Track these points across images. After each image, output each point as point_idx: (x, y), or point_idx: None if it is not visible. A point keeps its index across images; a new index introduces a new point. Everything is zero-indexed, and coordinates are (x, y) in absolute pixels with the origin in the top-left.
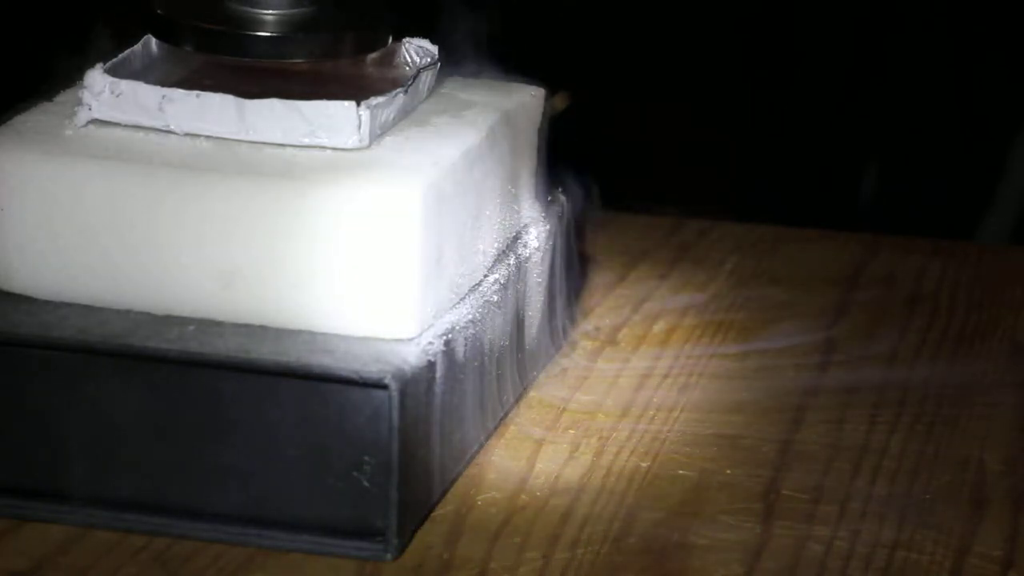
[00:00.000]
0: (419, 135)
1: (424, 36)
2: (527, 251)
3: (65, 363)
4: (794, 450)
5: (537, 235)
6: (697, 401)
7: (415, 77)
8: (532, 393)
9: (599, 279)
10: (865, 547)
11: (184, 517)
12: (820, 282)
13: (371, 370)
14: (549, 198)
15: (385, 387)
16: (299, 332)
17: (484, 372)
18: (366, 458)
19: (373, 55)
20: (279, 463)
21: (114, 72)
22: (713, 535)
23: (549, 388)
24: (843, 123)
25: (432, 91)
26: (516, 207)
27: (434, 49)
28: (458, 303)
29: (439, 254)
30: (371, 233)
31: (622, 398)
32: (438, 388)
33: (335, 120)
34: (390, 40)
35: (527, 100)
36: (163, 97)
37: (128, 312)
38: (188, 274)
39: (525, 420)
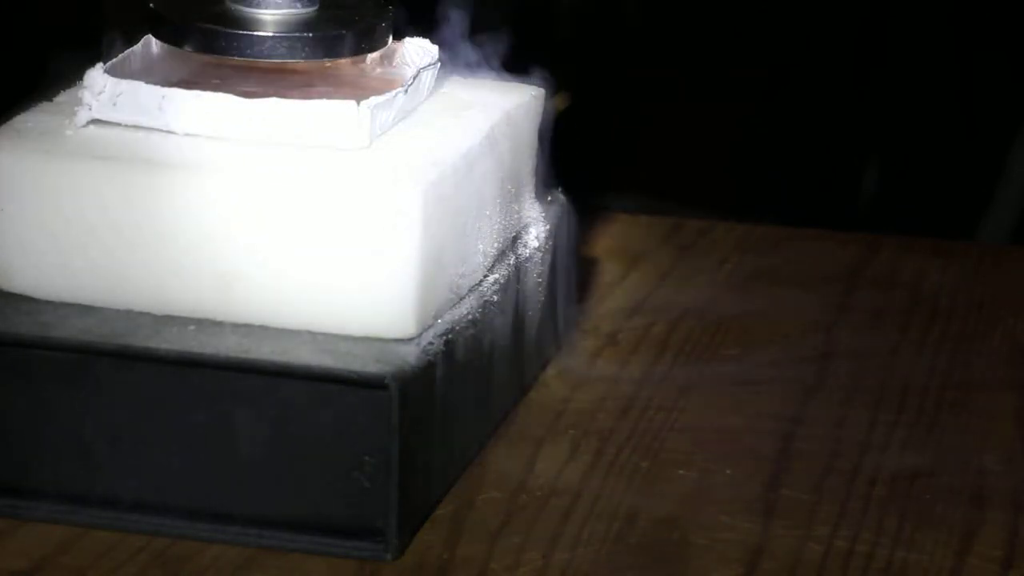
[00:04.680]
0: (419, 135)
1: (424, 36)
2: (527, 251)
3: (65, 363)
4: (794, 450)
5: (537, 235)
6: (697, 401)
7: (415, 77)
8: (532, 393)
9: (599, 279)
10: (865, 547)
11: (184, 517)
12: (820, 282)
13: (371, 370)
14: (549, 198)
15: (385, 387)
16: (299, 332)
17: (484, 372)
18: (366, 458)
19: (373, 55)
20: (279, 463)
21: (114, 72)
22: (713, 535)
23: (549, 388)
24: (843, 123)
25: (432, 91)
26: (516, 207)
27: (434, 49)
28: (458, 303)
29: (439, 254)
30: (371, 233)
31: (622, 398)
32: (438, 388)
33: (335, 120)
34: (390, 40)
35: (527, 100)
36: (163, 97)
37: (128, 312)
38: (188, 274)
39: (525, 420)
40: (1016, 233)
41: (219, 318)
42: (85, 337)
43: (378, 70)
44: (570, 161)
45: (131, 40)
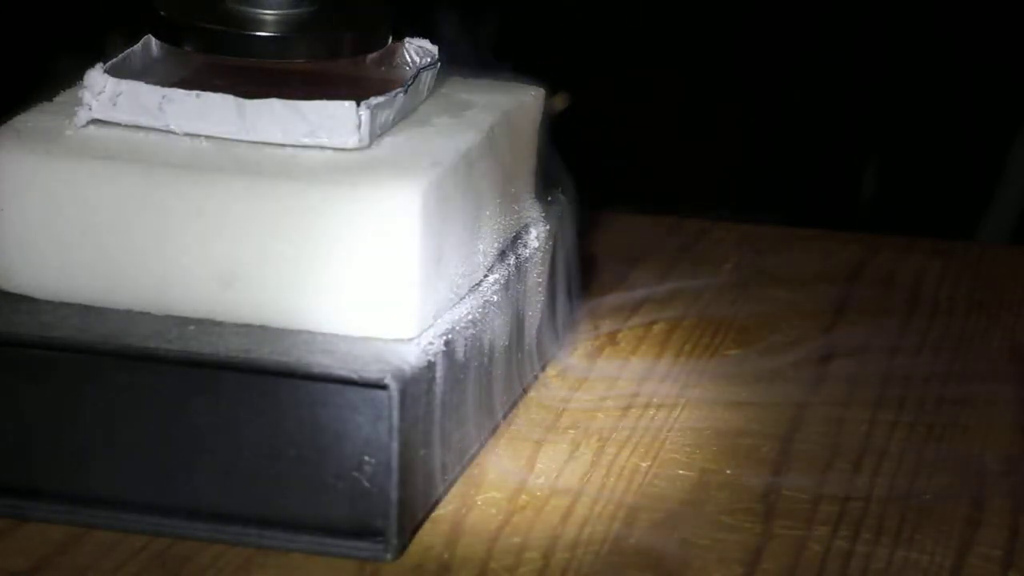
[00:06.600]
0: (419, 135)
1: (424, 36)
2: (527, 251)
3: (65, 363)
4: (794, 450)
5: (537, 235)
6: (697, 401)
7: (415, 77)
8: (532, 393)
9: (599, 279)
10: (865, 547)
11: (184, 517)
12: (820, 282)
13: (371, 370)
14: (549, 198)
15: (385, 387)
16: (299, 332)
17: (484, 372)
18: (366, 458)
19: (373, 55)
20: (279, 463)
21: (114, 72)
22: (713, 535)
23: (549, 388)
24: (843, 123)
25: (432, 91)
26: (516, 207)
27: (434, 49)
28: (458, 303)
29: (439, 254)
30: (371, 233)
31: (622, 398)
32: (438, 388)
33: (335, 120)
34: (390, 40)
35: (527, 100)
36: (163, 97)
37: (128, 312)
38: (188, 274)
39: (525, 420)
40: (1016, 233)
41: (219, 318)
42: (85, 337)
43: (378, 70)
44: (570, 161)
45: (131, 40)
